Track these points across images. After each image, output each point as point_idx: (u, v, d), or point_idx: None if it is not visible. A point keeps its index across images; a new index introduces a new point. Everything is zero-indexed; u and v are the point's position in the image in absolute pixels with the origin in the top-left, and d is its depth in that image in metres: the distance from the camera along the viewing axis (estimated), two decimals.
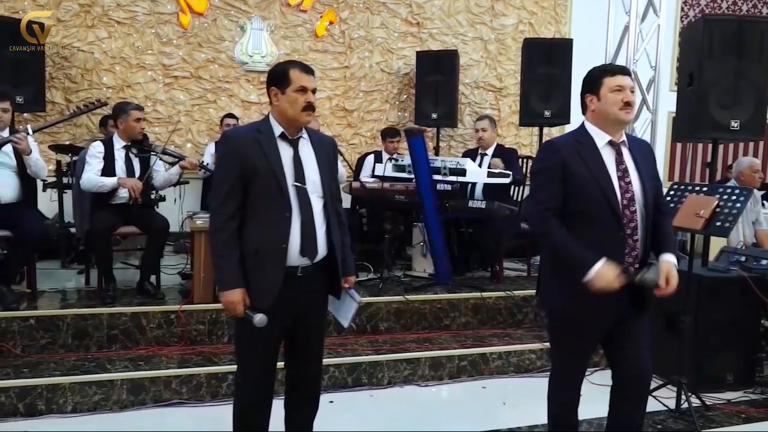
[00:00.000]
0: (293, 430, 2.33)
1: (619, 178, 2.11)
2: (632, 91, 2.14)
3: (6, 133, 3.56)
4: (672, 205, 3.23)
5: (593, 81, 2.17)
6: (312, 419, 2.34)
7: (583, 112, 2.24)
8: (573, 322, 2.17)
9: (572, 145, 2.14)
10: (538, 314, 4.16)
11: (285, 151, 2.10)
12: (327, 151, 2.22)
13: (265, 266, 2.06)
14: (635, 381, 2.22)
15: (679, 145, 7.25)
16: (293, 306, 2.11)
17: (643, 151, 2.25)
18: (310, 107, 2.09)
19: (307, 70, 2.12)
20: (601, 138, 2.15)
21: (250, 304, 2.06)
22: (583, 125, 2.22)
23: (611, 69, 2.19)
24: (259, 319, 2.00)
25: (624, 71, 2.17)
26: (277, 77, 2.11)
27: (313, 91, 2.11)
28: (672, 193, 3.36)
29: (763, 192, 5.26)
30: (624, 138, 2.20)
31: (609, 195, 2.08)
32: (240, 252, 2.07)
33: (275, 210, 2.05)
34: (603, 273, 2.01)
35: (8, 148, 3.55)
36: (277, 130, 2.11)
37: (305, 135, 2.17)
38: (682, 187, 3.36)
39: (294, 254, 2.07)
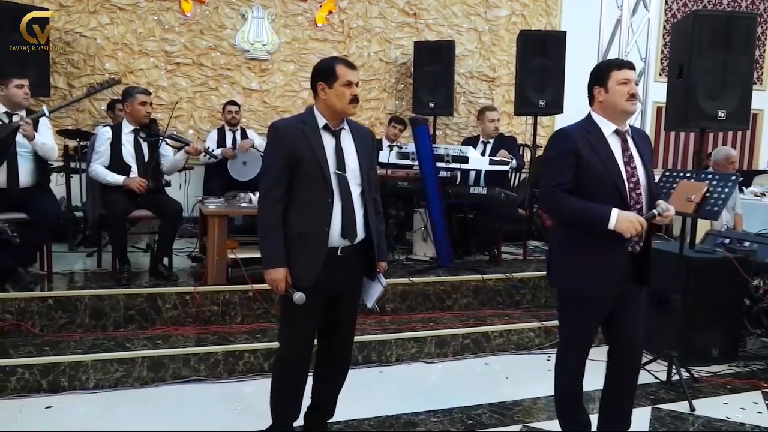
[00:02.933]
0: (320, 400, 2.48)
1: (625, 164, 2.29)
2: (636, 84, 2.32)
3: (24, 114, 3.63)
4: (665, 190, 3.43)
5: (601, 74, 2.33)
6: (338, 391, 2.49)
7: (591, 104, 2.40)
8: (585, 298, 2.32)
9: (582, 134, 2.29)
10: (536, 295, 4.37)
11: (328, 142, 2.25)
12: (366, 141, 2.37)
13: (308, 247, 2.21)
14: (632, 350, 2.43)
15: (663, 134, 7.50)
16: (332, 284, 2.26)
17: (643, 140, 2.43)
18: (355, 100, 2.24)
19: (352, 65, 2.28)
20: (607, 127, 2.32)
21: (292, 283, 2.21)
22: (589, 115, 2.38)
23: (618, 63, 2.35)
24: (299, 297, 2.16)
25: (630, 65, 2.35)
26: (325, 73, 2.24)
27: (356, 85, 2.26)
28: (664, 179, 3.55)
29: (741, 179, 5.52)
30: (628, 127, 2.38)
31: (616, 179, 2.25)
32: (284, 234, 2.22)
33: (319, 196, 2.21)
34: (624, 216, 2.17)
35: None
36: (321, 121, 2.26)
37: (346, 126, 2.32)
38: (674, 173, 3.55)
39: (335, 236, 2.23)
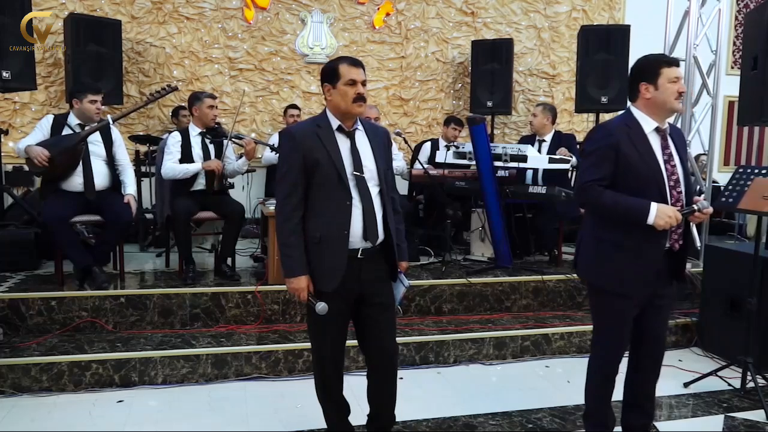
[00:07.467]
0: (376, 408, 2.45)
1: (665, 162, 2.25)
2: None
3: (94, 124, 3.85)
4: (738, 188, 3.26)
5: (650, 70, 2.25)
6: (392, 399, 2.43)
7: (632, 99, 2.32)
8: (617, 294, 2.29)
9: (623, 129, 2.25)
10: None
11: (343, 143, 2.22)
12: (381, 141, 2.34)
13: (328, 253, 2.17)
14: (659, 350, 2.45)
15: (735, 129, 7.13)
16: (355, 287, 2.23)
17: (680, 138, 2.37)
18: (360, 98, 2.19)
19: (356, 63, 2.21)
20: (648, 124, 2.27)
21: (315, 290, 2.19)
22: (629, 111, 2.32)
23: (668, 60, 2.28)
24: (321, 307, 2.13)
25: (678, 62, 2.28)
26: (328, 74, 2.21)
27: (363, 83, 2.21)
28: (737, 176, 3.37)
29: None
30: (667, 125, 2.32)
31: (657, 176, 2.22)
32: (304, 240, 2.19)
33: (337, 199, 2.17)
34: (662, 210, 2.15)
35: (97, 137, 3.84)
36: (334, 123, 2.23)
37: (360, 126, 2.29)
38: (748, 170, 3.36)
39: (356, 239, 2.20)
